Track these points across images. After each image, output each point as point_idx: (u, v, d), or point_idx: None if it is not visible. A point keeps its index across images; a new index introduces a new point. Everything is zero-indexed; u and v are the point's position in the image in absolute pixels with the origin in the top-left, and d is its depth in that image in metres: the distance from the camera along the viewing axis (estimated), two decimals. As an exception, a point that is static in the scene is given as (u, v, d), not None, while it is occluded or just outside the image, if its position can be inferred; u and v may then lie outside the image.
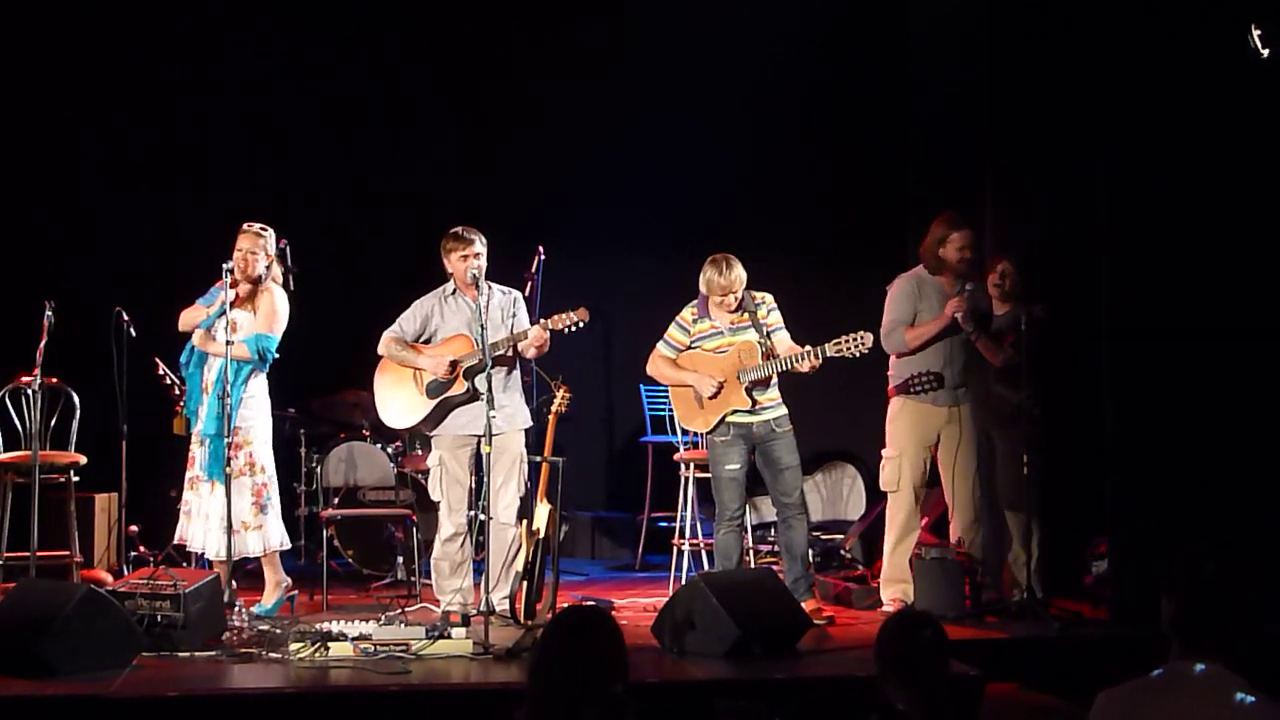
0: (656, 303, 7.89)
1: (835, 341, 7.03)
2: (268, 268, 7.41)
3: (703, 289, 7.34)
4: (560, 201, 9.87)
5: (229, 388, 7.10)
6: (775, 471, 7.30)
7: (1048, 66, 8.17)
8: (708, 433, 7.36)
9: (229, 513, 6.95)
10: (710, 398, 7.26)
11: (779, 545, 7.55)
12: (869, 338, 7.03)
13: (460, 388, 7.27)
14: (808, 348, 7.10)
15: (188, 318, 7.38)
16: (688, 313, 7.44)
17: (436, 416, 7.37)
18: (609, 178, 9.93)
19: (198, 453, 7.27)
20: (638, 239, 9.93)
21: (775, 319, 7.39)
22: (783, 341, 7.33)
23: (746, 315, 7.33)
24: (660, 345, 7.51)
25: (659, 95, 9.94)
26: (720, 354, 7.33)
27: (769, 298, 7.42)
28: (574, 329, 7.16)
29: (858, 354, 7.03)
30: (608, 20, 10.07)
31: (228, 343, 7.05)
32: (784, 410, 7.35)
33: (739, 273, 7.24)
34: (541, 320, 7.20)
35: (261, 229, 7.40)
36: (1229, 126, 7.11)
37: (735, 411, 7.25)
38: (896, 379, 7.52)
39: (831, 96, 10.32)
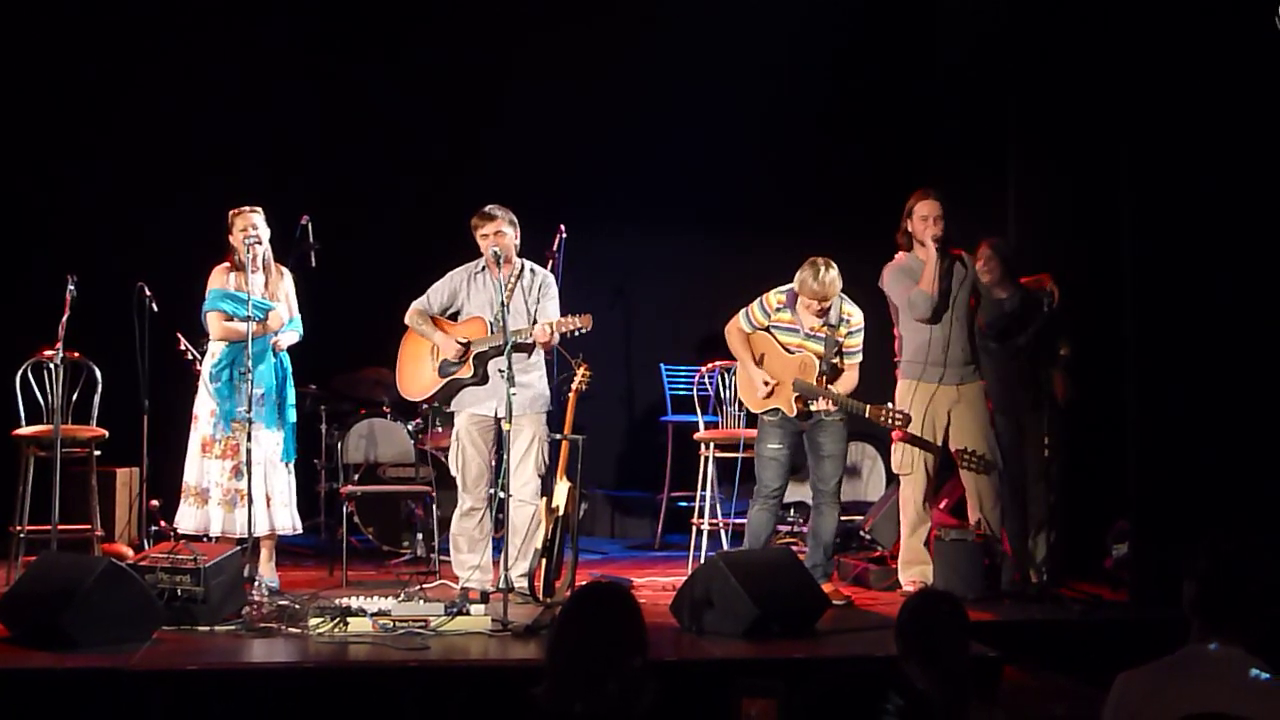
0: (677, 282, 7.88)
1: (877, 408, 6.98)
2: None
3: (795, 287, 7.23)
4: (582, 180, 9.85)
5: (280, 375, 7.40)
6: (817, 457, 7.29)
7: (1072, 48, 8.12)
8: (760, 412, 7.36)
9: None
10: (764, 398, 7.26)
11: (807, 530, 7.55)
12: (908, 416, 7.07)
13: (468, 371, 7.27)
14: (855, 402, 7.05)
15: (227, 330, 7.34)
16: (774, 298, 7.31)
17: (445, 395, 7.41)
18: (631, 157, 9.90)
19: (269, 439, 7.32)
20: (659, 218, 9.90)
21: (854, 342, 7.28)
22: (849, 370, 7.25)
23: (827, 329, 7.22)
24: (740, 317, 7.43)
25: (682, 74, 9.89)
26: (788, 354, 7.26)
27: (856, 317, 7.28)
28: (577, 333, 7.12)
29: (891, 425, 7.07)
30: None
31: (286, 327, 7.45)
32: (837, 398, 7.31)
33: (834, 278, 7.07)
34: (545, 323, 7.14)
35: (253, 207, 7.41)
36: (1256, 108, 7.06)
37: None
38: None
39: (857, 78, 10.25)
